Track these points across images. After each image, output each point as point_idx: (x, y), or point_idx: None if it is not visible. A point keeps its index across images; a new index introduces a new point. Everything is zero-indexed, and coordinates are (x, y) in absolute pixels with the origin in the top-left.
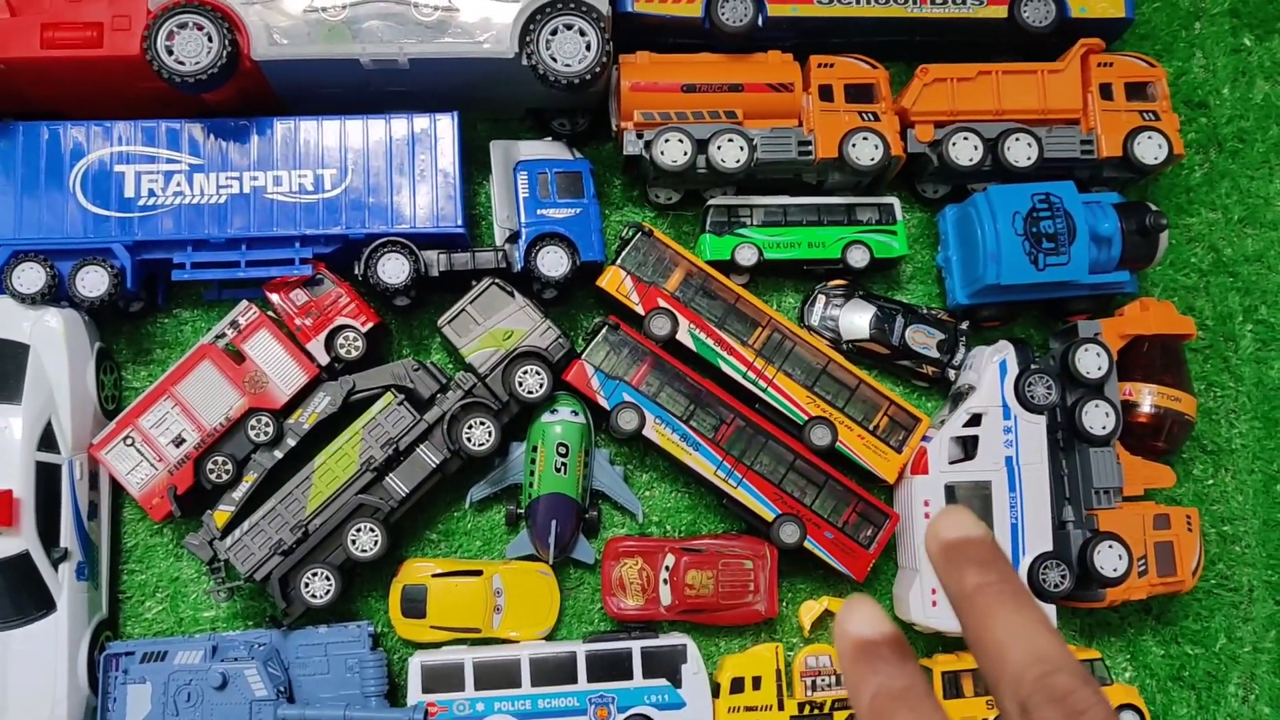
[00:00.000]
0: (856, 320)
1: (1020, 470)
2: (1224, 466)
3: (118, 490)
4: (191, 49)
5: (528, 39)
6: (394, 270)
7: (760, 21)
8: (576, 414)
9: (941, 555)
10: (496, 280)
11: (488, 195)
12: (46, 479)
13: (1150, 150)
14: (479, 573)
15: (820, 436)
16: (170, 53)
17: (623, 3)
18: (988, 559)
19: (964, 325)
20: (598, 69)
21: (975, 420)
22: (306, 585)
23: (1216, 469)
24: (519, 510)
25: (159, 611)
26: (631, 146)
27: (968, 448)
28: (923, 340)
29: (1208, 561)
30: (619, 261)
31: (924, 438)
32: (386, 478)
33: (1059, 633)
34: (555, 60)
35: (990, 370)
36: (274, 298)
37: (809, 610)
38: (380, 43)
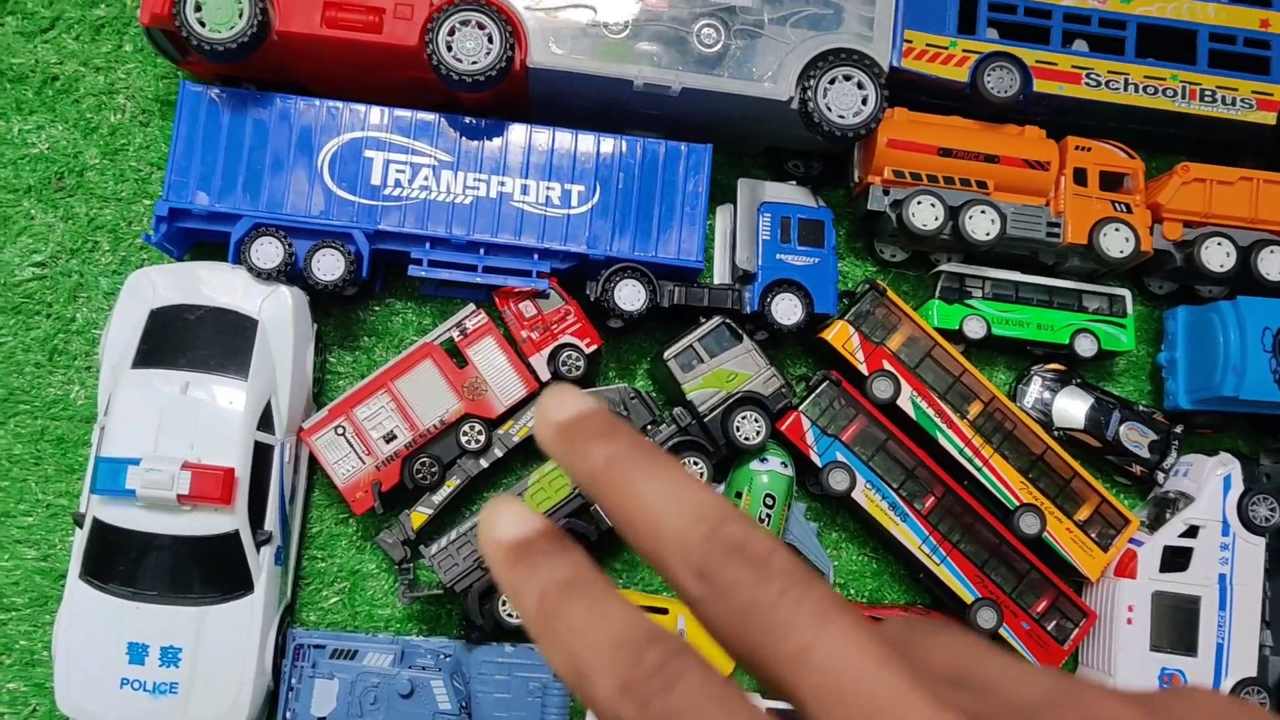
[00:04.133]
0: (1071, 409)
1: (1233, 590)
2: None
3: (310, 473)
4: (470, 47)
5: (805, 85)
6: (630, 297)
7: (1023, 95)
8: (786, 466)
9: (558, 438)
10: (727, 320)
11: (711, 228)
12: (260, 459)
13: None
14: (664, 610)
15: (1030, 524)
16: (449, 49)
17: (890, 55)
18: (609, 429)
19: (1178, 429)
20: (873, 124)
21: (1191, 532)
22: (504, 603)
23: None
24: None
25: (335, 602)
26: (877, 203)
27: (1179, 558)
28: (1136, 439)
29: None
30: (848, 316)
31: (1131, 540)
32: (595, 505)
33: (709, 485)
34: (830, 110)
35: (1213, 483)
36: (503, 306)
37: None
38: (657, 68)
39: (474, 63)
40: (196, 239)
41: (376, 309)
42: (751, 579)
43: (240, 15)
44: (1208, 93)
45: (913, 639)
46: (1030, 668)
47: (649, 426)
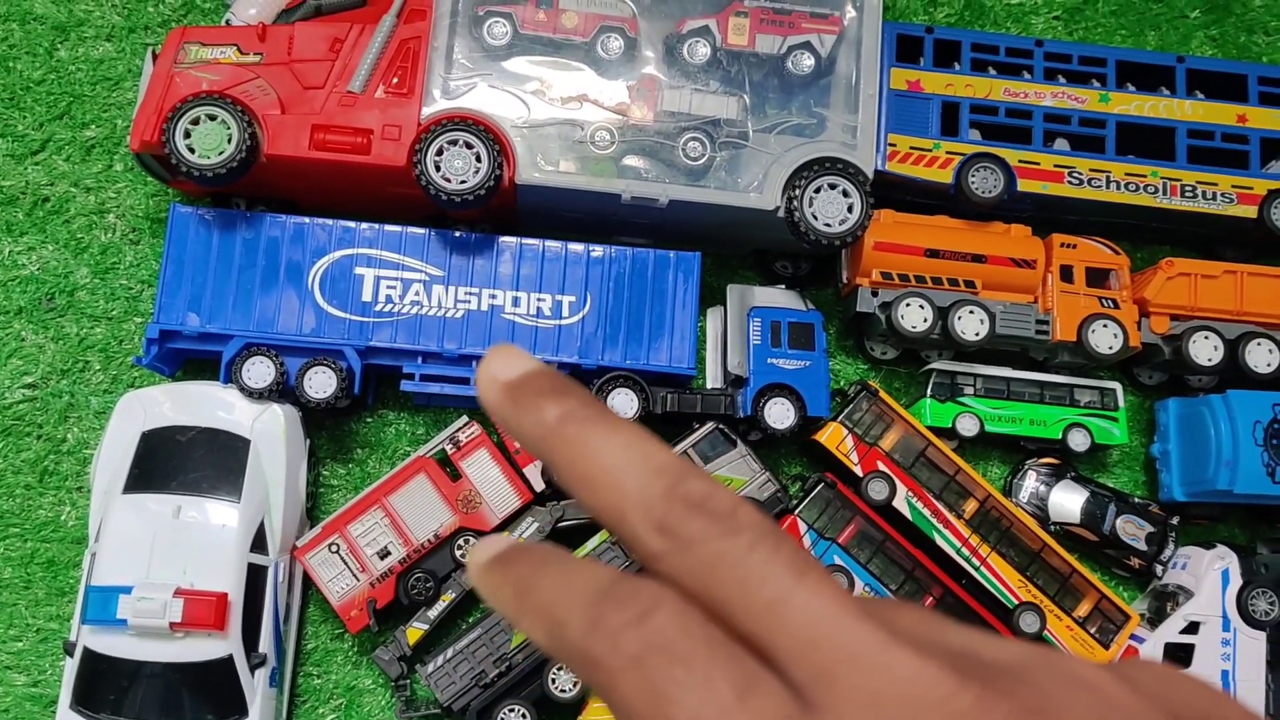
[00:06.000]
0: (1067, 503)
1: (1236, 687)
2: None
3: (304, 590)
4: (459, 166)
5: (791, 195)
6: (623, 405)
7: (1007, 195)
8: None
9: (506, 399)
10: (720, 426)
11: (701, 331)
12: (253, 581)
13: None
14: None
15: (1029, 624)
16: (437, 168)
17: (875, 161)
18: (560, 388)
19: (1174, 520)
20: (859, 232)
21: (1192, 628)
22: None
23: None
24: None
25: None
26: (865, 304)
27: (1181, 655)
28: (1133, 532)
29: None
30: (841, 418)
31: (1132, 636)
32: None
33: (667, 445)
34: (816, 219)
35: (1211, 578)
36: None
37: None
38: (644, 181)
39: (462, 181)
40: (188, 357)
41: (369, 420)
42: (718, 531)
43: (229, 141)
44: (1188, 188)
45: (880, 610)
46: (998, 637)
47: None
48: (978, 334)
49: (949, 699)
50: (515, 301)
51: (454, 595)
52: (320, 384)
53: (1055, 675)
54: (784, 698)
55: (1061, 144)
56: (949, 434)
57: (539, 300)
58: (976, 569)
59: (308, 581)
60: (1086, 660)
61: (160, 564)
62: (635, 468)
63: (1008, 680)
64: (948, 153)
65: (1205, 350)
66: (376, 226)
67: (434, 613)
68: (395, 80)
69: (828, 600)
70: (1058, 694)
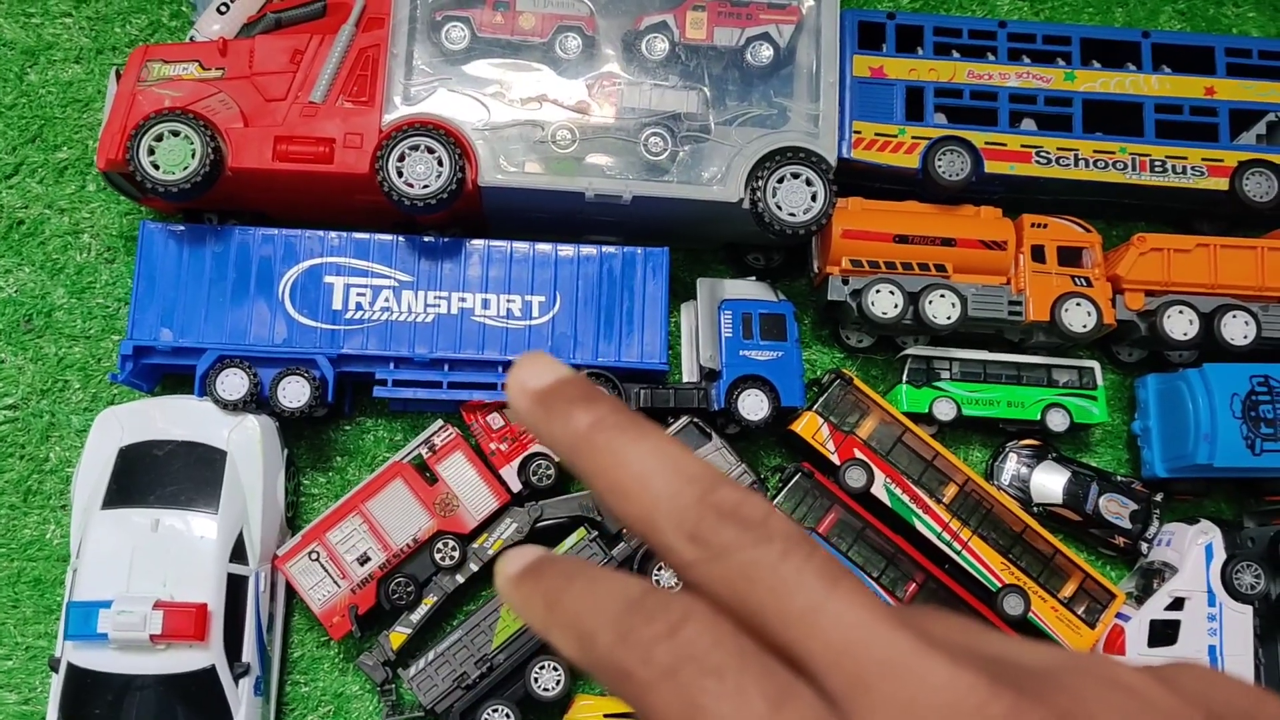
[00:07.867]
0: (1049, 484)
1: (1224, 662)
2: None
3: (288, 599)
4: (421, 171)
5: (754, 185)
6: None
7: (975, 177)
8: None
9: (536, 406)
10: (695, 420)
11: (675, 326)
12: (234, 591)
13: None
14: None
15: (1013, 606)
16: (400, 174)
17: (839, 148)
18: (590, 395)
19: (1158, 497)
20: (824, 220)
21: (1177, 604)
22: None
23: None
24: None
25: None
26: (836, 293)
27: (1168, 631)
28: (1116, 510)
29: None
30: (816, 407)
31: (1118, 614)
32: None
33: (695, 454)
34: (780, 209)
35: (1195, 553)
36: (471, 420)
37: None
38: (607, 178)
39: (425, 186)
40: (165, 372)
41: (347, 428)
42: (751, 540)
43: (193, 156)
44: (1158, 163)
45: (914, 618)
46: (1031, 641)
47: (624, 531)
48: (949, 318)
49: (983, 705)
50: (485, 304)
51: (436, 599)
52: (294, 393)
53: (1091, 679)
54: (818, 707)
55: (1028, 124)
56: (926, 419)
57: (508, 301)
58: (958, 553)
59: (291, 590)
60: (1124, 663)
61: (140, 577)
62: (666, 475)
63: (1043, 685)
64: (913, 138)
65: (1180, 325)
66: (344, 234)
67: (416, 617)
68: (356, 89)
69: (861, 608)
70: (1094, 697)
